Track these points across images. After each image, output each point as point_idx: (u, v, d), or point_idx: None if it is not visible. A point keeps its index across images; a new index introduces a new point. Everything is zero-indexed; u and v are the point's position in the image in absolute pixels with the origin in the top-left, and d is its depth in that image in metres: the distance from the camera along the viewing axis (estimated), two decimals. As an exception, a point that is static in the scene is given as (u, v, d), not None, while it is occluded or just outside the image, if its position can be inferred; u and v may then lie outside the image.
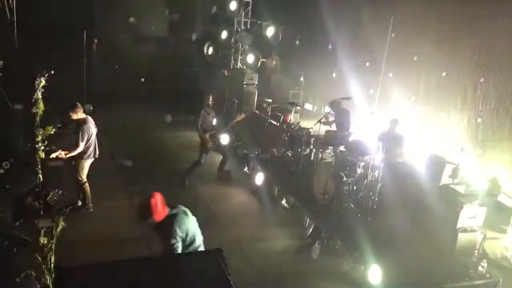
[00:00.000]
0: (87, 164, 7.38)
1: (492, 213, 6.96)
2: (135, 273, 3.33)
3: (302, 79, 13.52)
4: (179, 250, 4.37)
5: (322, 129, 9.47)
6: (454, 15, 9.26)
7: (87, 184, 7.42)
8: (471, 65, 9.02)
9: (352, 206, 7.71)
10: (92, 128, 7.29)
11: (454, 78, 9.47)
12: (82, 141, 7.12)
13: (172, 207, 4.58)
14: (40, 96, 7.00)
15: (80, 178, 7.35)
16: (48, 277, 4.28)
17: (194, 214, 4.72)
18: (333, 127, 9.79)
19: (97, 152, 7.46)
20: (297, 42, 12.52)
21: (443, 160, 7.75)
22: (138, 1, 13.47)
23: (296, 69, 13.62)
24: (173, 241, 4.35)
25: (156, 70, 14.10)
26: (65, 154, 7.06)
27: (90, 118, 7.35)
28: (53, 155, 7.08)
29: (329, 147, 8.93)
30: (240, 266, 6.31)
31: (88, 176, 7.61)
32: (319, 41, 12.93)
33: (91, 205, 7.53)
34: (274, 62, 14.08)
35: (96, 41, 13.06)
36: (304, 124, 9.98)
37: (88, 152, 7.27)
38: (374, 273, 6.17)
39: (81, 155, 7.23)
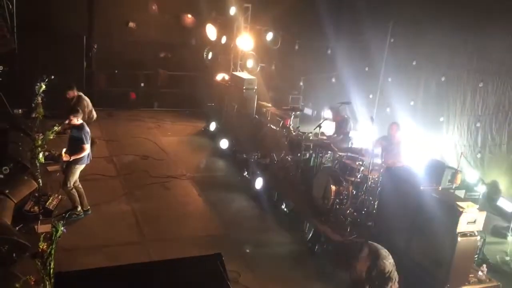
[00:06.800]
0: (79, 170, 7.29)
1: (492, 217, 6.97)
2: (134, 278, 3.33)
3: (301, 83, 13.56)
4: None
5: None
6: (453, 21, 9.30)
7: (74, 190, 7.31)
8: (470, 70, 9.06)
9: (352, 210, 7.71)
10: (89, 133, 7.30)
11: (453, 83, 9.50)
12: (87, 143, 7.12)
13: None
14: (40, 101, 7.05)
15: (69, 184, 7.21)
16: (47, 283, 4.27)
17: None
18: (329, 132, 9.83)
19: (90, 158, 7.43)
20: (297, 47, 12.51)
21: (442, 165, 7.79)
22: (138, 6, 13.50)
23: (295, 74, 13.65)
24: None
25: (156, 75, 14.12)
26: (70, 155, 7.00)
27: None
28: (62, 153, 7.08)
29: (329, 152, 8.93)
30: (239, 270, 6.30)
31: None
32: (318, 46, 12.98)
33: (80, 210, 7.39)
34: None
35: (95, 46, 13.08)
36: (304, 128, 9.99)
37: (83, 158, 7.22)
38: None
39: (76, 161, 7.15)
